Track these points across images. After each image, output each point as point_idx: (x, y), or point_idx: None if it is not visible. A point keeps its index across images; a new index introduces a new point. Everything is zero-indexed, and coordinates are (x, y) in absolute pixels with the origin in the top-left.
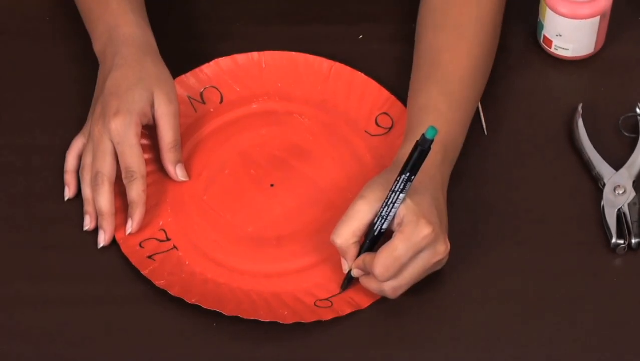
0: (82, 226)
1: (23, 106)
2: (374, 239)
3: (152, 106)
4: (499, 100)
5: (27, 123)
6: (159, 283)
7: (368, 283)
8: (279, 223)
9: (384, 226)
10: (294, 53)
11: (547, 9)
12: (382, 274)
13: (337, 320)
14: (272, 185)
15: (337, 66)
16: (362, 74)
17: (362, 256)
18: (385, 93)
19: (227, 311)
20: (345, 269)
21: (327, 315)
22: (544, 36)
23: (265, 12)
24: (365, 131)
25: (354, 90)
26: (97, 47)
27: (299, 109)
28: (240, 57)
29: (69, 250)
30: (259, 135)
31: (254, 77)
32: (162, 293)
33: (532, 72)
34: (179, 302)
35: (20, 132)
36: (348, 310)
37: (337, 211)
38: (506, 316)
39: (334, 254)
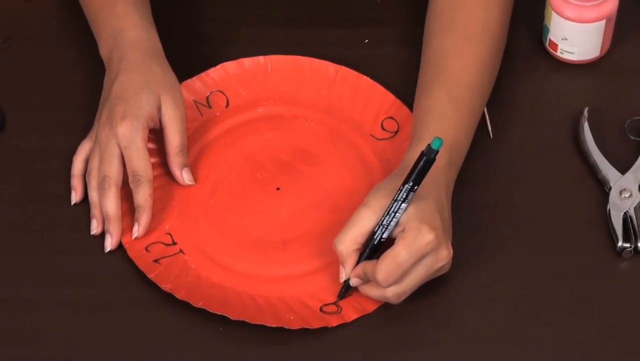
0: (88, 230)
1: (29, 109)
2: (374, 248)
3: (159, 110)
4: (504, 104)
5: (33, 127)
6: (165, 286)
7: (369, 290)
8: (285, 227)
9: (385, 235)
10: (300, 57)
11: (553, 13)
12: (385, 280)
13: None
14: (278, 189)
15: (343, 70)
16: (368, 78)
17: (361, 265)
18: (391, 97)
19: (234, 316)
20: (342, 278)
21: (334, 321)
22: (550, 40)
23: (271, 16)
24: (371, 135)
25: (359, 94)
26: (103, 51)
27: (304, 113)
28: (247, 62)
29: (75, 254)
30: (265, 139)
31: (260, 82)
32: (169, 296)
33: (537, 76)
34: (185, 306)
35: (26, 136)
36: (354, 316)
37: (343, 214)
38: (511, 319)
39: None
